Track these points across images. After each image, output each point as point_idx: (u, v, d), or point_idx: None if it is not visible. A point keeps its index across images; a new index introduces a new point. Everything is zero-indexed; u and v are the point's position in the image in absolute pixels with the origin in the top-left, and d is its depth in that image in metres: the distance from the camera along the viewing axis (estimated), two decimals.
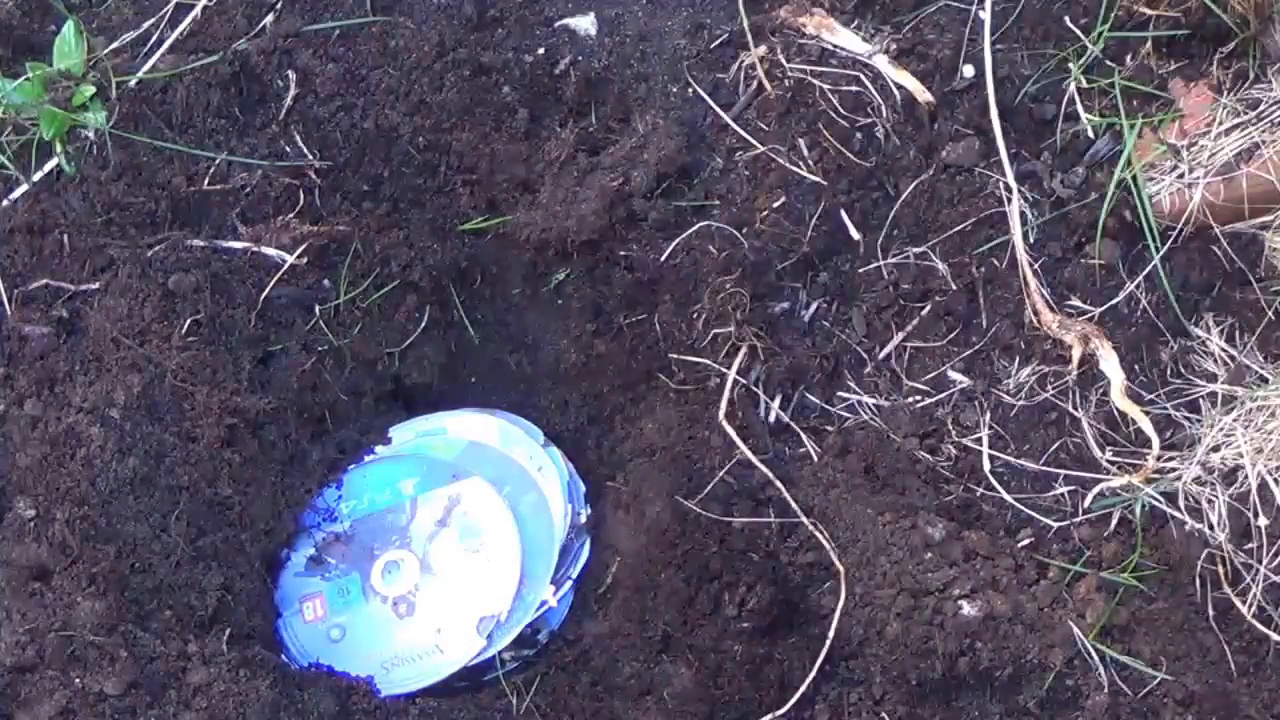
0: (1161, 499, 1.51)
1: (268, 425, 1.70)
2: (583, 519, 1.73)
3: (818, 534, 1.54)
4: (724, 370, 1.65)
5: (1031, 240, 1.62)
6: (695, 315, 1.69)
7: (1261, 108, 1.57)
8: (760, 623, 1.56)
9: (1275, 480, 1.48)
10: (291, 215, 1.74)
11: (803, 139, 1.69)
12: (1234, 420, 1.52)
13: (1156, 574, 1.50)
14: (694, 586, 1.59)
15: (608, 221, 1.72)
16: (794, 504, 1.57)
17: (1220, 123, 1.58)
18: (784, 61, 1.70)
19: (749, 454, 1.60)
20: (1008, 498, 1.56)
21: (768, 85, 1.71)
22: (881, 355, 1.66)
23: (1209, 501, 1.50)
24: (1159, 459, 1.52)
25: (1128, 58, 1.64)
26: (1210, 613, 1.48)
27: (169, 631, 1.51)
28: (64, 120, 1.68)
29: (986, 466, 1.57)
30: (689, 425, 1.67)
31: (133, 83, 1.72)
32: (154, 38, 1.77)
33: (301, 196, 1.74)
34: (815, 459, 1.61)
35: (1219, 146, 1.57)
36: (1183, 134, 1.60)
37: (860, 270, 1.68)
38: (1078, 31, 1.64)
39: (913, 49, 1.69)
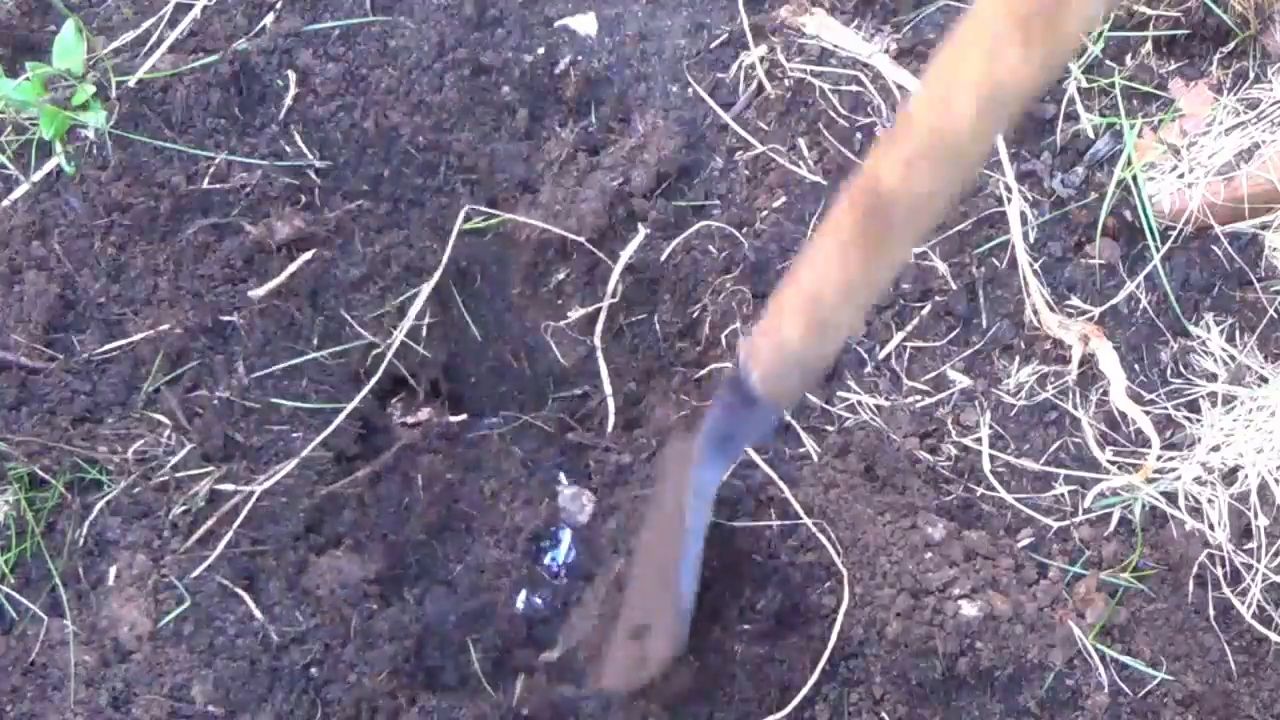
0: (1161, 499, 1.51)
1: None
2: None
3: (818, 534, 1.54)
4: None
5: (1031, 240, 1.62)
6: (696, 315, 1.69)
7: (1261, 108, 1.57)
8: (762, 623, 1.56)
9: (1275, 480, 1.48)
10: (293, 215, 1.74)
11: (803, 139, 1.69)
12: (1234, 420, 1.52)
13: (1156, 574, 1.50)
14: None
15: (608, 221, 1.71)
16: (795, 504, 1.56)
17: (1220, 123, 1.58)
18: (784, 61, 1.70)
19: (749, 453, 1.60)
20: (1008, 498, 1.56)
21: (768, 85, 1.71)
22: (881, 355, 1.66)
23: (1209, 501, 1.50)
24: (1159, 459, 1.52)
25: (1128, 58, 1.64)
26: (1210, 613, 1.48)
27: None
28: (64, 120, 1.68)
29: (986, 466, 1.57)
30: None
31: (132, 82, 1.72)
32: (154, 37, 1.77)
33: (302, 196, 1.74)
34: (815, 459, 1.61)
35: (1219, 146, 1.57)
36: (1183, 134, 1.60)
37: None
38: None
39: (913, 49, 1.69)
